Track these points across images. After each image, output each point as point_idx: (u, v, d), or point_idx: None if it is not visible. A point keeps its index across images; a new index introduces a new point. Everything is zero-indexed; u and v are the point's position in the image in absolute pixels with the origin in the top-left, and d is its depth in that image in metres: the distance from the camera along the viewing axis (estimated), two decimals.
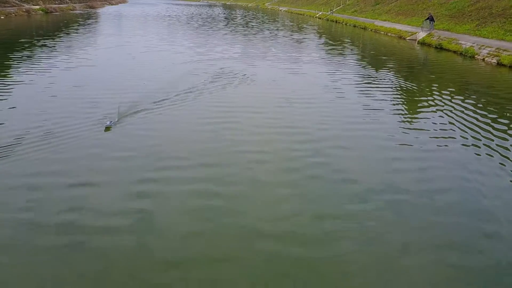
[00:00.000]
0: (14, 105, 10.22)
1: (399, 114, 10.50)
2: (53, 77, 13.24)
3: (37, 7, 50.58)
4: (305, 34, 32.61)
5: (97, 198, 5.96)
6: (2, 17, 40.77)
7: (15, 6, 46.90)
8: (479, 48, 19.81)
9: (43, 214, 5.50)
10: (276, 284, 4.35)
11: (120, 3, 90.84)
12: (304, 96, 11.75)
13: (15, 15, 44.09)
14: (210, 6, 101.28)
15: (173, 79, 13.38)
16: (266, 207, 5.83)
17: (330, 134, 8.76)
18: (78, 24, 35.94)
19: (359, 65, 17.94)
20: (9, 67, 14.69)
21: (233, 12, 68.88)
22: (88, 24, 37.15)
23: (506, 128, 9.37)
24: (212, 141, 8.13)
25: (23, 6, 48.35)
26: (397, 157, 7.73)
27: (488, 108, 11.03)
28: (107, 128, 9.01)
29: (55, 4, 56.11)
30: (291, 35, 31.74)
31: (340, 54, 21.51)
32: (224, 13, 64.65)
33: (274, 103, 10.91)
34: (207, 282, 4.36)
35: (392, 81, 14.48)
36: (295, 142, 8.17)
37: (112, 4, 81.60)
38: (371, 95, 12.32)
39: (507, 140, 8.61)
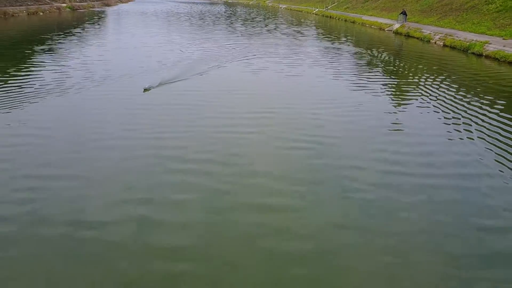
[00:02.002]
0: (82, 69, 14.45)
1: (373, 77, 16.98)
2: (108, 53, 19.41)
3: (65, 5, 56.65)
4: (304, 27, 39.00)
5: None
6: (41, 14, 47.01)
7: (47, 4, 53.04)
8: (434, 35, 26.28)
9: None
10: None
11: (130, 1, 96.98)
12: (302, 67, 18.27)
13: (49, 12, 50.26)
14: (212, 4, 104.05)
15: (205, 57, 18.10)
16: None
17: (321, 92, 15.23)
18: (109, 20, 42.31)
19: (346, 47, 24.46)
20: (81, 48, 21.10)
21: (237, 10, 74.10)
22: (115, 20, 43.54)
23: (439, 82, 15.88)
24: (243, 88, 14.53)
25: (53, 4, 54.51)
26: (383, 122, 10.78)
27: (439, 70, 17.43)
28: (146, 90, 10.81)
29: (77, 2, 62.34)
30: (292, 27, 38.16)
31: (332, 40, 27.96)
32: (230, 11, 69.89)
33: (282, 68, 17.41)
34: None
35: (368, 54, 21.04)
36: (290, 88, 14.55)
37: (123, 2, 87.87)
38: (354, 67, 18.79)
39: (442, 86, 15.11)
